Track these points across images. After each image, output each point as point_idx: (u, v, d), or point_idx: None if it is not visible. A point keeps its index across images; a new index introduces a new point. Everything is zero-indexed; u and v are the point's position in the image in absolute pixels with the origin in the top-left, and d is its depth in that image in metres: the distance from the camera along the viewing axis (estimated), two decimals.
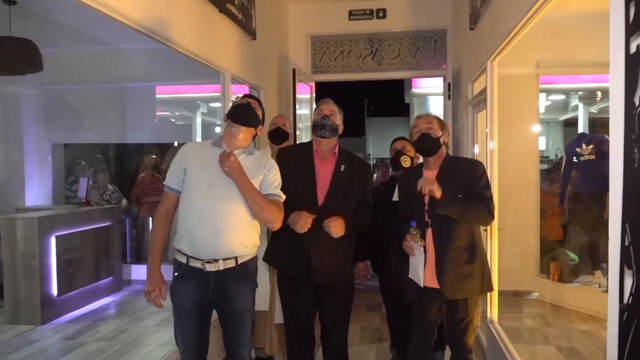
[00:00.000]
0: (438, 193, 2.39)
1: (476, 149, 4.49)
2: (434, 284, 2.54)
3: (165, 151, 6.74)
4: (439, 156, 2.60)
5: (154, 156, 6.60)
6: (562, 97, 8.84)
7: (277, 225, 2.37)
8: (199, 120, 8.74)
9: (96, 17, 2.33)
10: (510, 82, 4.73)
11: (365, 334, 4.45)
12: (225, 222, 2.27)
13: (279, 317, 3.24)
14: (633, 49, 1.10)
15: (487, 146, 3.75)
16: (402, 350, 3.33)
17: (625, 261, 1.16)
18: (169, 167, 2.40)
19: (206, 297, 2.32)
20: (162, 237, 2.36)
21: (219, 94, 3.85)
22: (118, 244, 5.82)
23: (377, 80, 6.50)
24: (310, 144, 2.82)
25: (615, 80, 1.19)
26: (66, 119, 6.59)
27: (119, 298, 5.54)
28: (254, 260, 2.43)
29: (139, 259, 6.43)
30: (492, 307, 3.66)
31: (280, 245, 2.76)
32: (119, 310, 5.18)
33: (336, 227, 2.58)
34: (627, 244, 1.16)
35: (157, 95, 7.25)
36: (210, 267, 2.28)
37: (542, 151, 10.92)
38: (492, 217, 2.53)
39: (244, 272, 2.36)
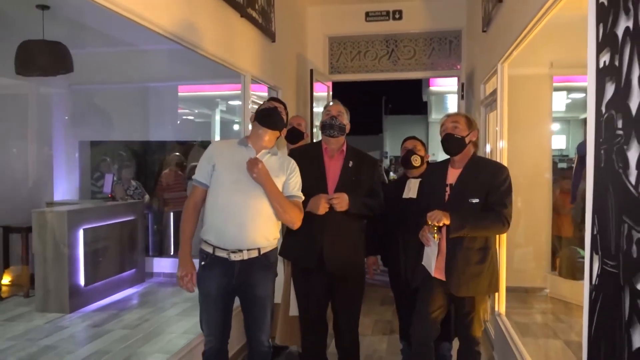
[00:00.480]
0: (447, 221, 2.47)
1: (487, 148, 4.59)
2: (443, 277, 2.62)
3: (186, 149, 6.96)
4: (465, 155, 2.66)
5: (177, 153, 6.80)
6: (583, 95, 8.80)
7: (297, 225, 2.56)
8: (217, 117, 8.85)
9: (122, 20, 2.45)
10: (523, 82, 4.82)
11: (378, 326, 4.61)
12: (250, 216, 2.44)
13: (294, 310, 3.36)
14: (601, 64, 1.24)
15: (497, 145, 3.86)
16: (410, 341, 3.45)
17: (593, 248, 1.30)
18: (198, 163, 2.57)
19: (230, 284, 2.49)
20: (191, 227, 2.54)
21: (238, 92, 4.05)
22: (141, 237, 6.01)
23: (394, 79, 6.56)
24: (319, 143, 3.00)
25: (590, 91, 1.33)
26: (93, 117, 6.84)
27: (142, 289, 5.75)
28: (274, 251, 2.61)
29: (160, 252, 6.63)
30: (500, 300, 3.77)
31: (293, 239, 2.90)
32: (142, 300, 5.38)
33: (339, 201, 2.72)
34: (595, 232, 1.31)
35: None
36: (235, 257, 2.45)
37: (562, 150, 10.90)
38: (507, 225, 2.53)
39: (266, 261, 2.53)
